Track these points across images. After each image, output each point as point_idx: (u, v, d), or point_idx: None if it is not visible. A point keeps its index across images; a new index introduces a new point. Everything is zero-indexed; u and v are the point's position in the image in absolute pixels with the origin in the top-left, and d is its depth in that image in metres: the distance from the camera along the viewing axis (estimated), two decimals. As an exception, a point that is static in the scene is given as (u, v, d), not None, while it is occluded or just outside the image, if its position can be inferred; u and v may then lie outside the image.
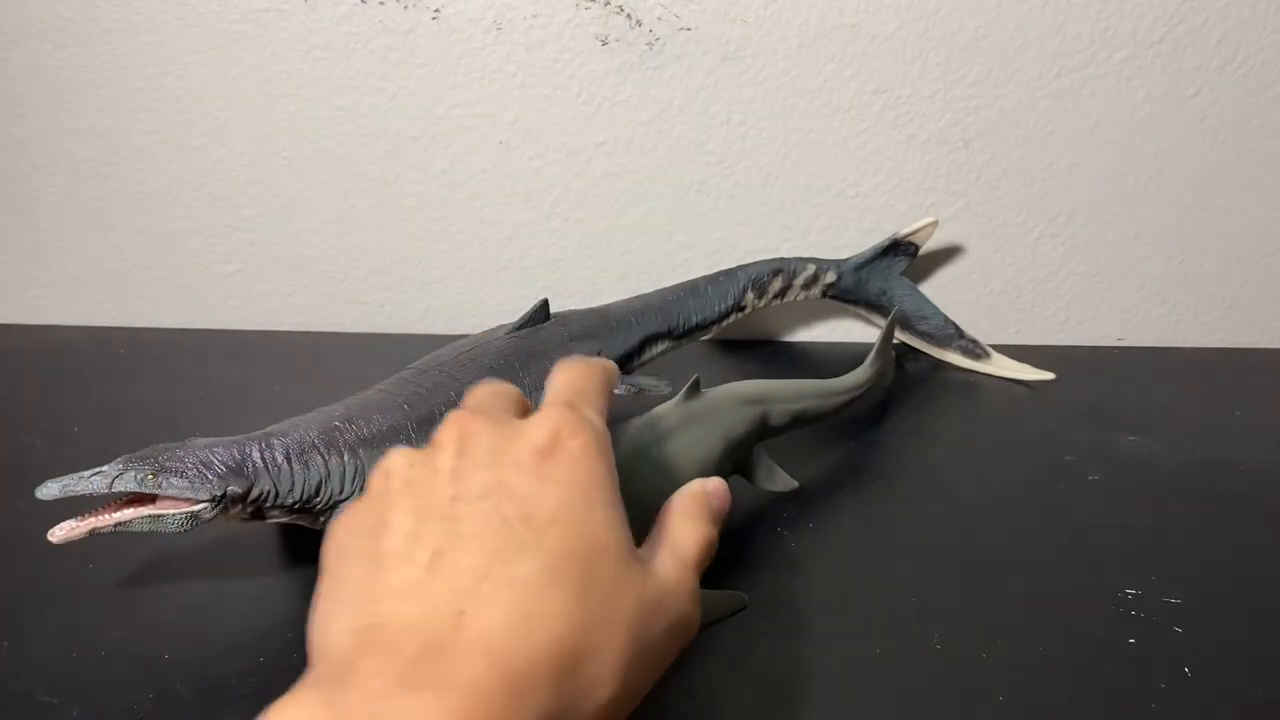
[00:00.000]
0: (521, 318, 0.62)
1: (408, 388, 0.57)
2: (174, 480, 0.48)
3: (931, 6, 0.73)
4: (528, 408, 0.39)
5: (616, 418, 0.57)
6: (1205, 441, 0.69)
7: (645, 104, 0.76)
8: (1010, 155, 0.79)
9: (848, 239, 0.81)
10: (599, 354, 0.64)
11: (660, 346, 0.70)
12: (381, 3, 0.72)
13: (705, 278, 0.73)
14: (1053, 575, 0.55)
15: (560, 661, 0.28)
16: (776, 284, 0.76)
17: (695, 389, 0.56)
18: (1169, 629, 0.51)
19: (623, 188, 0.79)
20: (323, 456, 0.52)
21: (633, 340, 0.67)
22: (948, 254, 0.83)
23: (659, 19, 0.73)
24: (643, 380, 0.66)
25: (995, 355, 0.80)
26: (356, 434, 0.53)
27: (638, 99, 0.76)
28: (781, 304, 0.78)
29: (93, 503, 0.48)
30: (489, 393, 0.38)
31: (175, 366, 0.76)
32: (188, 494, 0.48)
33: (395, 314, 0.83)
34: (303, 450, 0.52)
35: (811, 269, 0.77)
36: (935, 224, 0.78)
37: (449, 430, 0.34)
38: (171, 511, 0.48)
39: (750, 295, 0.75)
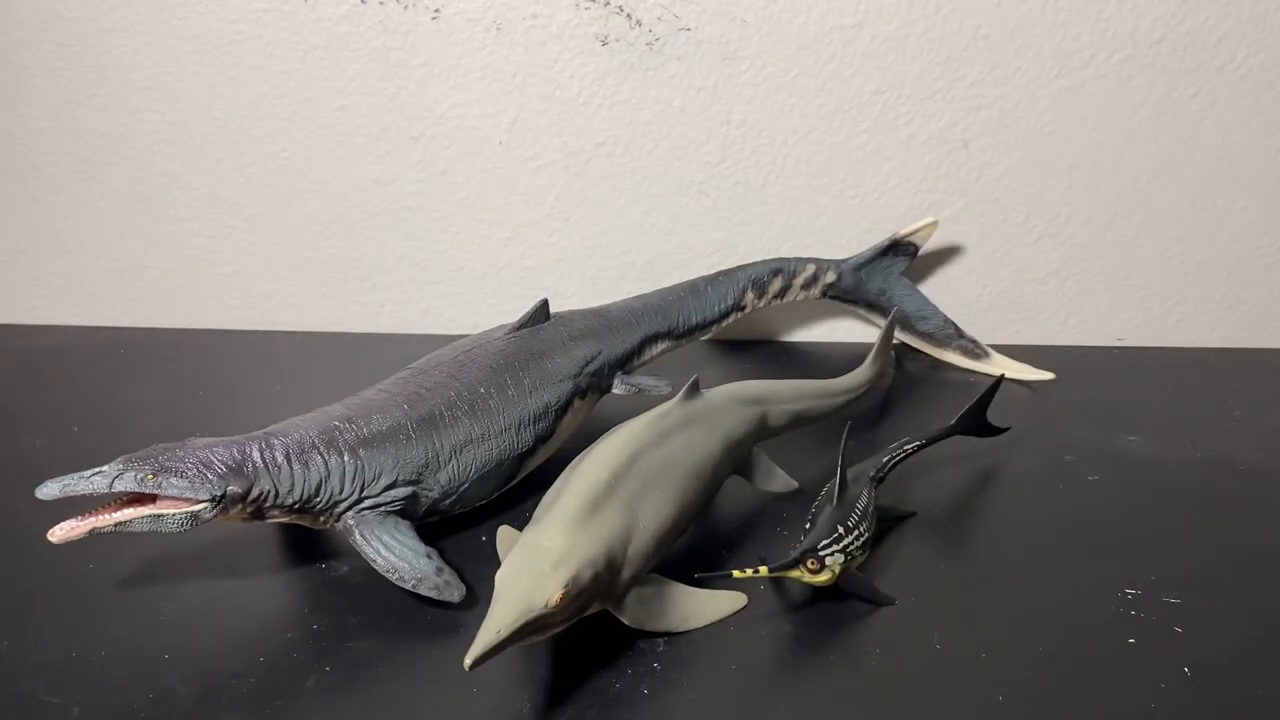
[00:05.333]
0: (521, 318, 0.62)
1: (408, 388, 0.57)
2: (174, 480, 0.48)
3: (931, 6, 0.73)
4: None
5: (617, 418, 0.57)
6: (1205, 441, 0.69)
7: (645, 104, 0.76)
8: (1010, 155, 0.79)
9: (848, 239, 0.81)
10: (599, 354, 0.64)
11: (660, 346, 0.70)
12: (381, 3, 0.72)
13: (705, 278, 0.73)
14: (1053, 575, 0.55)
15: None
16: (776, 284, 0.76)
17: (695, 389, 0.56)
18: (1169, 629, 0.51)
19: (623, 188, 0.79)
20: (323, 456, 0.52)
21: (633, 340, 0.67)
22: (948, 254, 0.83)
23: (659, 19, 0.73)
24: (643, 380, 0.66)
25: (995, 355, 0.80)
26: (356, 434, 0.53)
27: (638, 99, 0.76)
28: (781, 304, 0.78)
29: (93, 503, 0.48)
30: None
31: (175, 366, 0.76)
32: (188, 494, 0.48)
33: (395, 314, 0.83)
34: (303, 450, 0.52)
35: (811, 269, 0.77)
36: (935, 224, 0.78)
37: None
38: (171, 511, 0.48)
39: (750, 295, 0.75)
